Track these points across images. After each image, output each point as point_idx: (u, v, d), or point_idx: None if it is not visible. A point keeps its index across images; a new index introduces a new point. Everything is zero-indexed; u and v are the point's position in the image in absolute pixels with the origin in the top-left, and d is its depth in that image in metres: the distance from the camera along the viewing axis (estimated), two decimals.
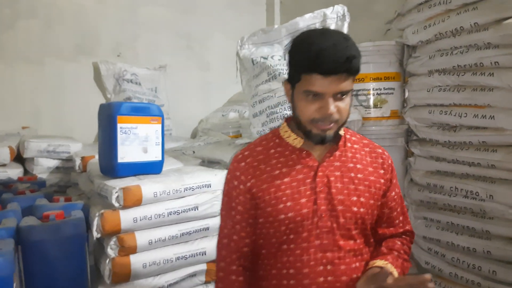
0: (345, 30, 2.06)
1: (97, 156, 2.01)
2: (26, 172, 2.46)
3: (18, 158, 2.45)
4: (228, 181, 1.11)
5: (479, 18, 1.59)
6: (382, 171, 1.08)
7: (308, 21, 2.11)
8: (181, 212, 1.72)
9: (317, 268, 1.01)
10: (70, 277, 1.47)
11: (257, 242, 1.09)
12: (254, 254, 1.10)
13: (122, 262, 1.60)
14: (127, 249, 1.61)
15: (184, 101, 3.48)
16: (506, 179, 1.57)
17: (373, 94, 1.97)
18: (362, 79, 1.97)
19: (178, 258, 1.72)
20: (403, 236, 1.13)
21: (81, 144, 2.55)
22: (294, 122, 1.05)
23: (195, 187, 1.78)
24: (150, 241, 1.65)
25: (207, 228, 1.82)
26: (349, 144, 1.08)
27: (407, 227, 1.15)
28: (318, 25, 2.11)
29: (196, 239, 1.81)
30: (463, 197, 1.69)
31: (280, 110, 1.91)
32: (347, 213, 1.02)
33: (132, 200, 1.59)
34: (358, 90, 1.99)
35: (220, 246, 1.12)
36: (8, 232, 1.33)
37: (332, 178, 1.03)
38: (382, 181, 1.07)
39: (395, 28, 2.00)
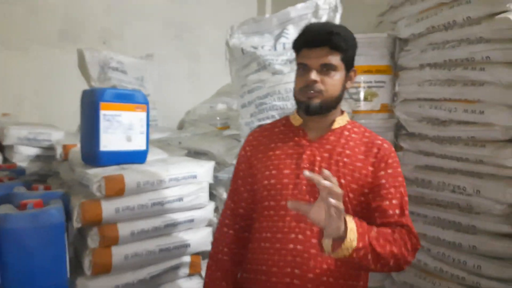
0: (337, 21, 2.03)
1: (79, 145, 1.95)
2: (5, 160, 2.38)
3: None
4: (239, 152, 1.28)
5: (472, 12, 1.58)
6: (373, 160, 1.12)
7: (300, 11, 2.07)
8: (165, 203, 1.68)
9: (290, 236, 1.08)
10: (49, 267, 1.41)
11: (253, 209, 1.20)
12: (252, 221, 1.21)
13: (103, 253, 1.56)
14: (109, 240, 1.56)
15: (171, 92, 3.41)
16: (493, 174, 1.57)
17: (364, 87, 1.94)
18: None
19: (161, 250, 1.68)
20: (398, 228, 1.05)
21: (63, 132, 2.47)
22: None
23: (180, 178, 1.74)
24: (133, 232, 1.61)
25: (192, 220, 1.78)
26: (346, 133, 1.16)
27: (402, 219, 1.07)
28: (310, 16, 2.07)
29: (181, 231, 1.77)
30: (451, 191, 1.69)
31: (270, 101, 1.87)
32: None
33: (115, 189, 1.55)
34: None
35: (225, 204, 1.29)
36: None
37: (318, 158, 1.11)
38: (371, 168, 1.11)
39: (387, 20, 1.97)
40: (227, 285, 1.22)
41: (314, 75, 1.07)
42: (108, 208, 1.55)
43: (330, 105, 1.12)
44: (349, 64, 1.12)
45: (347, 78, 1.14)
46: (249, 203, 1.22)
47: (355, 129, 1.19)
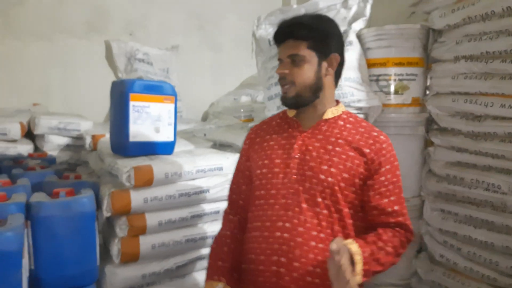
0: (367, 12, 1.98)
1: (107, 135, 1.98)
2: (36, 148, 2.44)
3: (29, 134, 2.44)
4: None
5: None
6: (367, 150, 1.11)
7: (328, 1, 2.03)
8: (192, 194, 1.70)
9: (277, 224, 1.10)
10: (79, 254, 1.45)
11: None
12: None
13: (131, 242, 1.59)
14: (137, 230, 1.59)
15: (195, 83, 3.43)
16: None
17: (395, 80, 1.88)
18: (384, 64, 1.89)
19: (187, 241, 1.70)
20: (397, 229, 1.11)
21: (92, 122, 2.52)
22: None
23: (206, 170, 1.74)
24: (160, 222, 1.63)
25: (218, 212, 1.80)
26: (341, 122, 1.17)
27: (399, 219, 1.12)
28: (338, 6, 2.03)
29: (206, 222, 1.79)
30: (484, 190, 1.63)
31: None
32: (314, 179, 1.09)
33: (143, 180, 1.57)
34: (379, 75, 1.91)
35: (228, 196, 1.33)
36: (18, 207, 1.31)
37: (310, 147, 1.13)
38: (364, 159, 1.11)
39: (420, 10, 1.90)
40: (229, 257, 1.20)
41: (281, 68, 1.12)
42: (137, 198, 1.58)
43: (307, 95, 1.12)
44: (323, 51, 1.12)
45: (327, 64, 1.13)
46: (248, 195, 1.25)
47: (351, 119, 1.18)
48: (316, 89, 1.13)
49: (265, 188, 1.14)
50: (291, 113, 1.21)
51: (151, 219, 1.61)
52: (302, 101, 1.13)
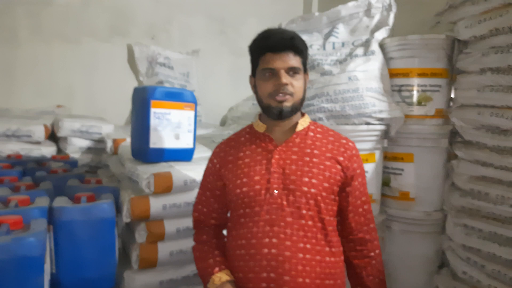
0: (390, 21, 1.95)
1: (128, 139, 2.01)
2: (59, 151, 2.50)
3: (52, 136, 2.49)
4: (206, 165, 1.30)
5: None
6: (341, 158, 1.16)
7: (351, 9, 2.01)
8: None
9: (263, 240, 1.09)
10: (99, 259, 1.47)
11: (228, 218, 1.25)
12: (226, 229, 1.26)
13: (149, 248, 1.60)
14: (155, 236, 1.60)
15: (214, 87, 3.44)
16: None
17: (418, 91, 1.85)
18: (407, 74, 1.86)
19: None
20: (371, 254, 1.21)
21: (113, 125, 2.56)
22: (260, 108, 1.19)
23: None
24: (178, 229, 1.64)
25: None
26: (311, 134, 1.19)
27: (369, 216, 1.21)
28: (361, 14, 2.01)
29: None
30: (510, 206, 1.57)
31: (317, 103, 1.83)
32: (297, 192, 1.10)
33: (163, 186, 1.58)
34: (401, 86, 1.87)
35: (193, 216, 1.31)
36: (41, 211, 1.34)
37: (288, 161, 1.14)
38: (339, 167, 1.15)
39: (445, 20, 1.86)
40: (219, 253, 1.22)
41: (285, 78, 1.10)
42: (156, 204, 1.59)
43: (298, 107, 1.16)
44: (305, 67, 1.18)
45: (305, 80, 1.19)
46: (219, 213, 1.27)
47: (319, 129, 1.22)
48: (303, 102, 1.19)
49: (249, 206, 1.14)
50: (261, 128, 1.20)
51: (170, 226, 1.62)
52: (293, 113, 1.16)
